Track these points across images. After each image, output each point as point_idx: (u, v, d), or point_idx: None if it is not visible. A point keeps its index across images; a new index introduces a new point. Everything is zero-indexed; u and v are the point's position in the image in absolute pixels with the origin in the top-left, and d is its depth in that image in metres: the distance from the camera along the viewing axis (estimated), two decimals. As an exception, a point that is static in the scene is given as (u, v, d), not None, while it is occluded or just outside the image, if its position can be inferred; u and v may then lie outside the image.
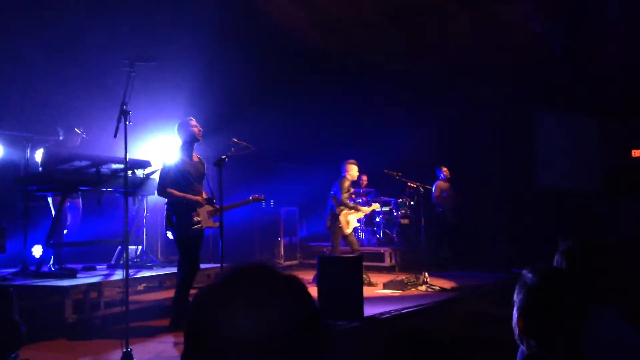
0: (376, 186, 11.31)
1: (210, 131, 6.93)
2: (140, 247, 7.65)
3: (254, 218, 10.60)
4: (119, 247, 7.34)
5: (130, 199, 6.09)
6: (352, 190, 8.68)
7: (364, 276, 7.91)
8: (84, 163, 6.06)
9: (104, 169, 6.14)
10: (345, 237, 8.47)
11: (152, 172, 6.51)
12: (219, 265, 5.32)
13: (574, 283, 1.76)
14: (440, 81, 11.49)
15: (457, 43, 10.41)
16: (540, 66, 10.31)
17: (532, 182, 11.40)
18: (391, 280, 7.96)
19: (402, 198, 10.94)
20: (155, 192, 5.72)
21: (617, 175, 11.38)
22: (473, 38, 10.23)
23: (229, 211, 5.82)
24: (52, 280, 5.79)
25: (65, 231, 6.66)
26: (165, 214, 5.54)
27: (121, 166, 5.95)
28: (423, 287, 7.72)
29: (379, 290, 7.75)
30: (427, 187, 8.59)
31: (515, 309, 1.78)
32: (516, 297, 1.78)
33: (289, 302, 0.95)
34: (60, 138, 6.78)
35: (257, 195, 6.02)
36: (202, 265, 5.87)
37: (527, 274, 1.78)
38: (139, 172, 6.49)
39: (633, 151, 11.61)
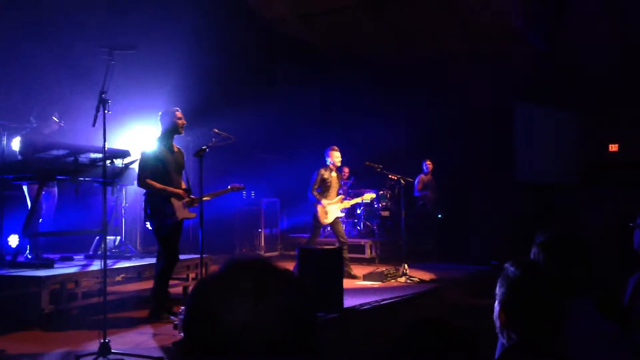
0: (357, 178, 11.33)
1: (191, 121, 6.86)
2: (118, 238, 7.58)
3: (235, 209, 10.56)
4: (97, 237, 7.26)
5: (109, 189, 6.02)
6: (333, 177, 8.47)
7: (347, 269, 7.94)
8: (61, 152, 5.97)
9: (82, 158, 6.05)
10: (331, 227, 8.38)
11: (132, 162, 6.44)
12: (198, 256, 5.30)
13: (554, 276, 1.77)
14: (421, 74, 11.53)
15: (436, 36, 10.46)
16: (519, 60, 10.39)
17: (511, 175, 11.51)
18: (371, 272, 8.00)
19: (383, 190, 10.98)
20: (135, 182, 5.66)
21: (594, 169, 11.55)
22: (453, 31, 10.28)
23: (209, 202, 5.78)
24: (29, 270, 5.71)
25: (39, 220, 6.56)
26: (143, 205, 5.48)
27: (100, 155, 5.87)
28: (403, 279, 7.77)
29: (359, 282, 7.78)
30: (408, 179, 8.62)
31: (497, 301, 1.79)
32: (498, 290, 1.79)
33: (287, 295, 0.98)
34: (34, 125, 6.66)
35: (236, 185, 5.97)
36: (182, 256, 5.84)
37: (509, 267, 1.79)
38: (118, 162, 6.41)
39: (610, 145, 11.79)
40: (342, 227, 8.60)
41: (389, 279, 7.79)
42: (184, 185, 5.57)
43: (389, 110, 11.43)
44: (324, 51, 11.25)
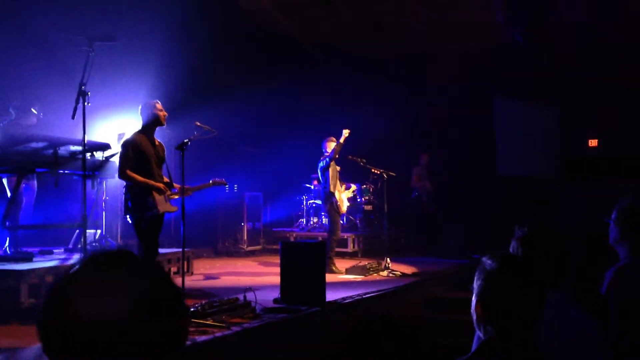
0: (340, 172, 11.34)
1: (172, 114, 6.80)
2: (99, 231, 7.51)
3: (217, 202, 10.52)
4: (77, 230, 7.19)
5: (89, 182, 5.96)
6: (337, 168, 8.46)
7: (333, 267, 7.97)
8: (41, 144, 5.89)
9: (62, 150, 5.98)
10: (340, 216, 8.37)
11: (112, 155, 6.38)
12: (180, 250, 5.28)
13: (531, 269, 1.79)
14: (402, 68, 11.57)
15: (417, 30, 10.49)
16: (500, 56, 10.47)
17: (492, 169, 11.62)
18: (353, 266, 8.02)
19: (366, 184, 11.01)
20: (116, 175, 5.60)
21: (574, 163, 11.70)
22: (434, 26, 10.32)
23: (191, 195, 5.75)
24: (8, 263, 5.64)
25: (19, 213, 6.49)
26: (123, 198, 5.43)
27: (80, 148, 5.80)
28: (385, 273, 7.81)
29: (342, 276, 7.80)
30: (391, 173, 8.65)
31: (474, 294, 1.81)
32: (475, 283, 1.80)
33: (145, 287, 0.95)
34: (13, 117, 6.57)
35: (218, 179, 5.94)
36: (162, 250, 5.81)
37: (487, 261, 1.80)
38: (99, 155, 6.34)
39: (589, 141, 11.95)
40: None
41: (372, 272, 7.82)
42: (165, 179, 5.52)
43: (370, 104, 11.45)
44: (304, 43, 11.23)
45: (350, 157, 8.59)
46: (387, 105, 11.39)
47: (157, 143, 5.52)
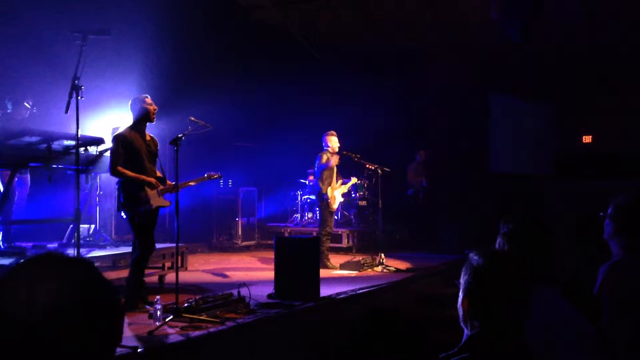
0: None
1: (166, 109, 6.78)
2: (93, 226, 7.49)
3: (212, 198, 10.52)
4: (71, 225, 7.17)
5: (82, 177, 5.95)
6: (336, 161, 8.43)
7: (327, 262, 7.98)
8: (34, 138, 5.86)
9: (56, 145, 5.95)
10: (331, 213, 8.38)
11: (106, 150, 6.35)
12: (174, 245, 5.27)
13: (517, 264, 1.79)
14: (398, 65, 11.57)
15: (413, 26, 10.48)
16: (495, 52, 10.48)
17: (486, 166, 11.64)
18: (348, 261, 8.04)
19: (360, 180, 11.01)
20: (108, 170, 5.58)
21: (568, 159, 11.73)
22: (429, 21, 10.31)
23: (185, 190, 5.74)
24: (0, 259, 5.62)
25: (12, 207, 6.47)
26: (116, 194, 5.42)
27: (73, 143, 5.78)
28: (379, 268, 7.83)
29: (336, 271, 7.82)
30: (385, 169, 8.65)
31: (460, 290, 1.81)
32: (462, 279, 1.81)
33: (69, 284, 0.99)
34: (9, 111, 6.54)
35: (212, 173, 5.93)
36: (158, 245, 5.79)
37: (473, 256, 1.80)
38: (92, 149, 6.32)
39: (584, 137, 11.99)
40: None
41: (366, 268, 7.84)
42: (158, 174, 5.51)
43: (366, 100, 11.45)
44: (301, 39, 11.20)
45: (344, 152, 8.59)
46: (382, 101, 11.38)
47: (148, 138, 5.49)
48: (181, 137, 5.25)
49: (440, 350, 1.81)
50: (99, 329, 1.00)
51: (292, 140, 10.61)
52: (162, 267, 6.76)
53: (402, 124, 11.80)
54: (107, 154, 6.30)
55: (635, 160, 10.53)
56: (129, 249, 5.77)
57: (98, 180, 7.62)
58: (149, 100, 5.40)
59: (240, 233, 10.44)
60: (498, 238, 2.35)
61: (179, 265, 5.61)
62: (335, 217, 10.99)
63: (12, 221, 6.46)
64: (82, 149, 5.92)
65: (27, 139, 5.82)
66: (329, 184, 8.33)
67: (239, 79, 10.32)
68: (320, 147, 8.46)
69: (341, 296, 5.91)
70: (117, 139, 5.30)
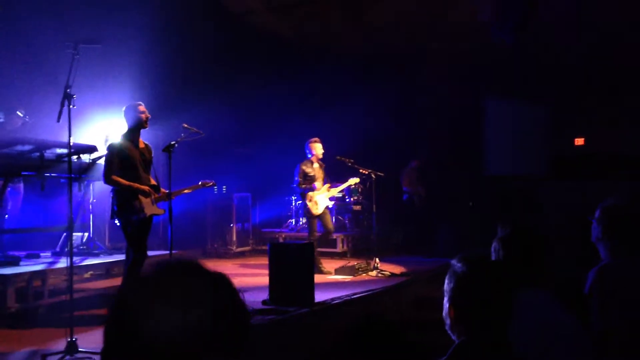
0: (329, 172, 11.34)
1: (159, 116, 6.77)
2: (86, 234, 7.47)
3: (206, 204, 10.49)
4: (64, 234, 7.15)
5: (75, 185, 5.93)
6: (314, 168, 8.43)
7: (321, 267, 7.99)
8: (27, 147, 5.85)
9: (48, 153, 5.95)
10: (319, 217, 8.36)
11: (99, 158, 6.35)
12: (168, 252, 5.26)
13: (505, 270, 1.79)
14: (392, 68, 11.59)
15: (407, 29, 10.52)
16: (489, 55, 10.52)
17: (481, 168, 11.67)
18: (342, 266, 8.04)
19: (355, 183, 11.00)
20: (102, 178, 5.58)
21: (561, 162, 11.78)
22: (424, 24, 10.35)
23: (179, 197, 5.74)
24: (-6, 268, 5.59)
25: (5, 216, 6.45)
26: (110, 202, 5.41)
27: (66, 151, 5.77)
28: (374, 273, 7.83)
29: (331, 276, 7.81)
30: (379, 173, 8.66)
31: (446, 298, 1.80)
32: (446, 286, 1.80)
33: (215, 301, 0.95)
34: (1, 120, 6.53)
35: (206, 181, 5.94)
36: (151, 253, 5.78)
37: (456, 264, 1.79)
38: (85, 157, 6.31)
39: (576, 139, 12.05)
40: (329, 217, 8.65)
41: (360, 272, 7.84)
42: (152, 182, 5.50)
43: (360, 104, 11.46)
44: (294, 43, 11.22)
45: (338, 157, 8.60)
46: (376, 105, 11.41)
47: (142, 145, 5.49)
48: (174, 144, 5.26)
49: (435, 354, 1.81)
50: (240, 335, 0.98)
51: (287, 145, 10.61)
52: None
53: (397, 127, 11.82)
54: (101, 161, 6.29)
55: (629, 161, 10.60)
56: (122, 257, 5.76)
57: (91, 188, 7.61)
58: (142, 107, 5.40)
59: (234, 239, 10.42)
60: (494, 242, 2.36)
61: (173, 272, 5.59)
62: (333, 219, 11.02)
63: (5, 230, 6.44)
64: (74, 157, 5.91)
65: (19, 147, 5.81)
66: (310, 189, 8.30)
67: (232, 84, 10.31)
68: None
69: (336, 301, 5.91)
70: (112, 148, 5.30)
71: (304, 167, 8.30)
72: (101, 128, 8.13)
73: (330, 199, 8.78)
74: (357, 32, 10.84)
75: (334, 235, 10.25)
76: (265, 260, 7.30)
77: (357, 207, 11.10)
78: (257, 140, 11.63)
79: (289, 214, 11.31)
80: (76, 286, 5.24)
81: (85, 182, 7.05)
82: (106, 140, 7.02)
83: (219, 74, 10.20)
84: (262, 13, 10.31)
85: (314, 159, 8.36)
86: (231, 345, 0.95)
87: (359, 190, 11.03)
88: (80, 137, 7.39)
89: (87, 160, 6.37)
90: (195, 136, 5.62)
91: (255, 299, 5.61)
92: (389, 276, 7.68)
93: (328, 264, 8.45)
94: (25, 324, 5.08)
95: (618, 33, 9.91)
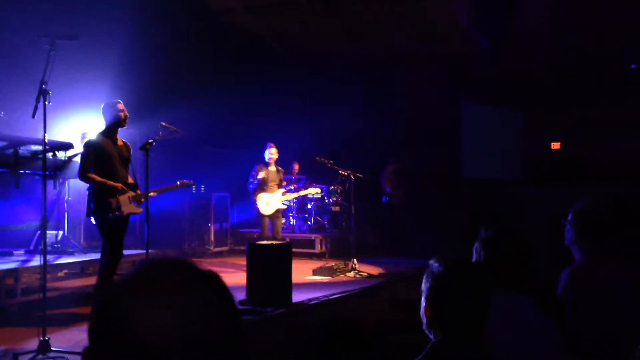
0: (308, 173, 11.35)
1: (137, 114, 6.70)
2: (61, 232, 7.36)
3: (184, 203, 10.41)
4: (38, 232, 7.04)
5: (50, 182, 5.85)
6: (271, 171, 8.69)
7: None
8: (1, 144, 5.77)
9: (23, 150, 5.86)
10: (270, 218, 8.54)
11: (75, 155, 6.27)
12: (144, 251, 5.20)
13: (482, 271, 1.81)
14: (370, 70, 11.64)
15: (384, 32, 10.57)
16: (467, 60, 10.62)
17: (458, 171, 11.76)
18: (320, 267, 8.04)
19: (333, 185, 11.03)
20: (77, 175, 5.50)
21: (537, 166, 11.94)
22: (401, 28, 10.41)
23: (157, 196, 5.69)
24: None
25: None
26: (86, 199, 5.33)
27: (41, 148, 5.68)
28: (351, 274, 7.85)
29: (308, 277, 7.81)
30: (358, 175, 8.68)
31: (423, 298, 1.82)
32: (424, 286, 1.82)
33: (205, 299, 0.92)
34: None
35: (185, 181, 5.89)
36: (127, 252, 5.71)
37: (434, 264, 1.82)
38: (61, 155, 6.23)
39: (552, 144, 12.22)
40: (280, 223, 8.81)
41: (338, 273, 7.85)
42: (130, 180, 5.44)
43: (337, 105, 11.48)
44: (273, 44, 11.20)
45: (318, 158, 8.61)
46: (355, 107, 11.43)
47: (120, 143, 5.42)
48: (152, 142, 5.20)
49: (411, 354, 1.83)
50: (232, 336, 0.94)
51: (265, 145, 10.58)
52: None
53: (374, 129, 11.87)
54: (77, 159, 6.21)
55: (604, 166, 10.79)
56: (97, 256, 5.69)
57: (67, 185, 7.50)
58: (121, 105, 5.32)
59: (212, 239, 10.37)
60: (476, 243, 2.39)
61: (150, 271, 5.54)
62: (309, 223, 11.02)
63: (-22, 228, 6.32)
64: (50, 154, 5.83)
65: (-7, 143, 5.71)
66: (263, 190, 8.60)
67: (211, 83, 10.25)
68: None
69: (313, 302, 5.91)
70: (88, 144, 5.23)
71: (258, 168, 8.69)
72: (78, 125, 8.03)
73: (284, 202, 8.92)
74: (335, 34, 10.87)
75: (312, 236, 10.28)
76: (243, 261, 7.27)
77: (336, 208, 11.12)
78: (236, 140, 11.57)
79: (268, 214, 11.26)
80: (50, 285, 5.17)
81: (61, 180, 6.95)
82: (83, 138, 6.93)
83: (197, 73, 10.13)
84: (241, 13, 10.26)
85: (270, 162, 8.69)
86: (226, 345, 0.93)
87: (338, 191, 11.06)
88: (56, 134, 7.28)
89: (63, 158, 6.29)
90: (173, 135, 5.57)
91: (232, 299, 5.58)
92: (367, 277, 7.71)
93: (306, 265, 8.45)
94: (-4, 323, 4.99)
95: (594, 40, 10.07)
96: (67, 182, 7.44)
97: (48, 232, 5.18)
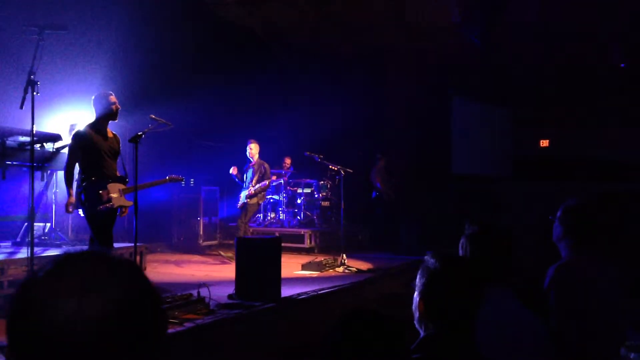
0: (298, 168, 11.34)
1: (127, 107, 6.65)
2: (48, 225, 7.31)
3: (173, 197, 10.36)
4: (25, 224, 6.98)
5: (38, 174, 5.80)
6: (249, 166, 9.00)
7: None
8: (-13, 134, 5.71)
9: (10, 141, 5.81)
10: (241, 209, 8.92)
11: (63, 147, 6.21)
12: (132, 244, 5.18)
13: (474, 267, 1.83)
14: (360, 66, 11.64)
15: (375, 27, 10.56)
16: (457, 57, 10.65)
17: (447, 168, 11.81)
18: (310, 262, 8.04)
19: (323, 180, 11.03)
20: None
21: (526, 163, 12.02)
22: (392, 23, 10.41)
23: (146, 189, 5.66)
24: (-50, 258, 5.44)
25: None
26: (75, 192, 5.29)
27: (28, 139, 5.63)
28: (341, 269, 7.85)
29: (298, 272, 7.81)
30: (348, 170, 8.69)
31: (416, 292, 1.84)
32: (418, 281, 1.84)
33: (117, 286, 0.91)
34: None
35: (174, 176, 5.86)
36: (116, 245, 5.69)
37: (429, 259, 1.84)
38: (49, 146, 6.17)
39: (541, 141, 12.31)
40: (246, 216, 8.95)
41: (327, 268, 7.85)
42: (118, 173, 5.40)
43: (328, 100, 11.48)
44: (263, 38, 11.17)
45: (307, 153, 8.60)
46: (345, 102, 11.43)
47: (111, 135, 5.38)
48: (141, 134, 5.16)
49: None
50: (151, 327, 0.93)
51: (256, 139, 10.56)
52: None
53: (364, 124, 11.88)
54: (65, 150, 6.16)
55: (592, 163, 10.88)
56: (86, 248, 5.65)
57: (55, 177, 7.45)
58: (113, 98, 5.27)
59: (201, 232, 10.33)
60: (462, 239, 2.40)
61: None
62: (299, 218, 11.02)
63: (-37, 219, 6.26)
64: (37, 146, 5.78)
65: (-21, 134, 5.66)
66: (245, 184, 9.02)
67: (201, 77, 10.21)
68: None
69: (302, 297, 5.91)
70: (76, 136, 5.18)
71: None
72: (66, 117, 7.96)
73: (247, 196, 8.97)
74: (326, 28, 10.85)
75: (302, 231, 10.28)
76: (231, 255, 7.27)
77: (326, 203, 11.13)
78: (225, 134, 11.52)
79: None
80: (37, 277, 5.13)
81: (49, 172, 6.89)
82: (71, 129, 6.87)
83: (188, 66, 10.08)
84: (232, 5, 10.22)
85: (250, 157, 9.00)
86: (144, 340, 0.91)
87: (328, 186, 11.06)
88: (45, 125, 7.22)
89: (51, 149, 6.23)
90: (163, 127, 5.54)
91: (221, 294, 5.57)
92: (356, 272, 7.72)
93: (296, 259, 8.45)
94: (-18, 316, 4.95)
95: (582, 38, 10.13)
96: (54, 174, 7.38)
97: (35, 224, 5.14)
